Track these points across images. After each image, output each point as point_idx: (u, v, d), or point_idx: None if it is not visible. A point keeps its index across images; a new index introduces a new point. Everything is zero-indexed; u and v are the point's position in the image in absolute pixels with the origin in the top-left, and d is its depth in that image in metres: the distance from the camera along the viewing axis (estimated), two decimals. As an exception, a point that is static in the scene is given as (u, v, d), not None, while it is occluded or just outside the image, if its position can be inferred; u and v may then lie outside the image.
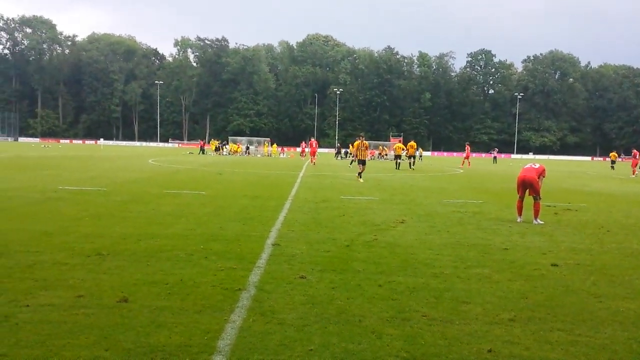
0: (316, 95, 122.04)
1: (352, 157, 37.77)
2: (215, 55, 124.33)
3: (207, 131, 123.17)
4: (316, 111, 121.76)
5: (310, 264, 6.75)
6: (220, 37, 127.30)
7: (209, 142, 79.82)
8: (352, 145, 38.10)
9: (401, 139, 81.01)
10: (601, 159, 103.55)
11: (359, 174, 22.08)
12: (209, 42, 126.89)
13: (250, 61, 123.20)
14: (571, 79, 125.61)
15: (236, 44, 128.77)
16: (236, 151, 59.71)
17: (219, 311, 4.85)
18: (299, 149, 68.45)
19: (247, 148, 61.23)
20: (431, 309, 5.13)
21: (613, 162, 49.03)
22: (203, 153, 57.52)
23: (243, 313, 4.81)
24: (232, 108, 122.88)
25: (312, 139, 43.98)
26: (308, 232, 9.15)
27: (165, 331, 4.33)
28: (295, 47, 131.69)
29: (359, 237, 8.77)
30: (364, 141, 23.13)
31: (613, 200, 16.96)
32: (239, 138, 70.24)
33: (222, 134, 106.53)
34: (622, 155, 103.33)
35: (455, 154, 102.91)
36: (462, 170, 35.68)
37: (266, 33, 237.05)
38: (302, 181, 21.12)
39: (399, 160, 36.96)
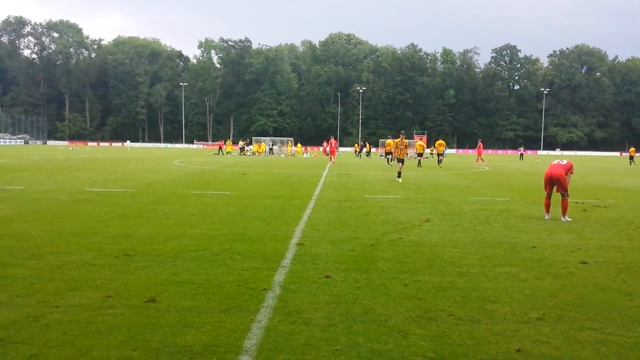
0: (339, 94, 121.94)
1: (390, 156, 38.11)
2: (238, 56, 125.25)
3: (231, 132, 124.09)
4: (339, 110, 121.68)
5: (334, 264, 6.74)
6: (243, 38, 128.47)
7: (233, 143, 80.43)
8: (390, 143, 38.57)
9: (424, 136, 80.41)
10: (627, 153, 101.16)
11: (399, 173, 21.18)
12: (232, 43, 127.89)
13: (273, 61, 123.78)
14: (598, 73, 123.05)
15: (259, 44, 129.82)
16: (259, 151, 60.02)
17: (245, 311, 4.87)
18: (321, 149, 68.58)
19: (271, 148, 61.53)
20: (458, 308, 5.07)
21: (631, 157, 48.60)
22: (222, 153, 58.19)
23: (269, 313, 4.82)
24: (256, 108, 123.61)
25: (332, 138, 44.08)
26: (332, 231, 9.14)
27: (192, 331, 4.36)
28: (317, 46, 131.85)
29: (384, 236, 8.73)
30: (404, 139, 21.94)
31: (644, 196, 16.57)
32: (262, 138, 70.61)
33: (246, 135, 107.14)
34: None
35: (490, 151, 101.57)
36: (487, 168, 35.26)
37: (289, 33, 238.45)
38: (325, 180, 21.12)
39: (419, 159, 37.19)
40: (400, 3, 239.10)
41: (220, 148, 62.19)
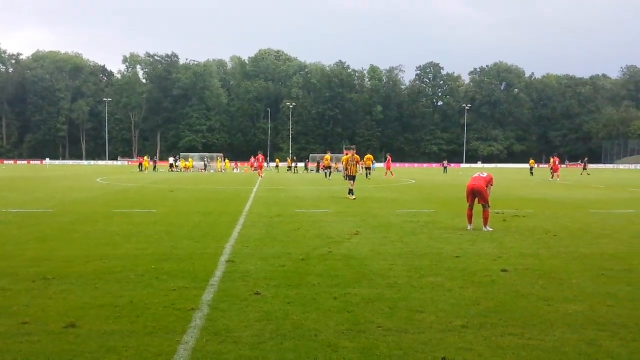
0: (269, 109, 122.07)
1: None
2: (165, 71, 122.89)
3: (158, 148, 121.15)
4: (269, 125, 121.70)
5: (265, 280, 6.68)
6: (170, 53, 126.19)
7: (160, 159, 78.11)
8: (324, 158, 39.93)
9: (354, 151, 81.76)
10: (546, 166, 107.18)
11: (350, 191, 19.78)
12: (158, 58, 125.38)
13: (202, 76, 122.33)
14: (516, 90, 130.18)
15: (186, 59, 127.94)
16: (188, 167, 58.94)
17: (171, 332, 4.73)
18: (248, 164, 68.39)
19: (205, 165, 60.69)
20: (386, 319, 5.15)
21: (531, 168, 52.11)
22: (143, 170, 56.68)
23: (196, 333, 4.70)
24: (184, 124, 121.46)
25: (260, 154, 44.94)
26: (262, 247, 9.08)
27: (114, 356, 4.18)
28: (247, 62, 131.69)
29: (314, 251, 8.76)
30: (355, 155, 20.50)
31: (559, 205, 17.56)
32: (190, 154, 69.37)
33: (174, 150, 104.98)
34: (567, 162, 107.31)
35: (406, 164, 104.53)
36: (414, 181, 36.28)
37: (217, 48, 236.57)
38: (256, 196, 20.99)
39: (368, 172, 39.48)
40: (327, 21, 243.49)
41: (140, 164, 60.27)
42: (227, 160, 64.29)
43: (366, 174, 39.72)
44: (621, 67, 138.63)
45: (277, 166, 66.42)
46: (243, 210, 15.24)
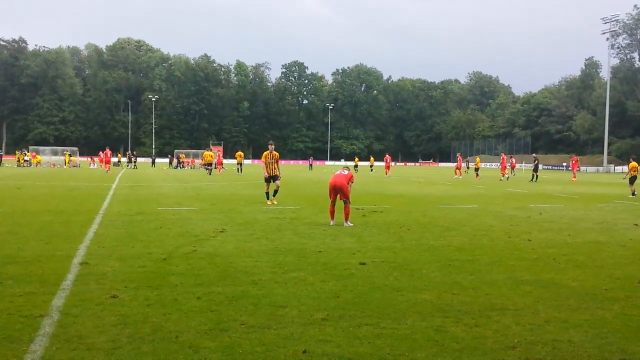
0: (129, 102, 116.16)
1: (210, 166, 38.99)
2: (11, 57, 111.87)
3: (4, 141, 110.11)
4: (130, 118, 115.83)
5: (123, 282, 6.38)
6: (17, 38, 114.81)
7: (6, 153, 70.53)
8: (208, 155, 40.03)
9: (221, 147, 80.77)
10: (402, 164, 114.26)
11: (267, 193, 16.91)
12: (3, 43, 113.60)
13: (54, 64, 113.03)
14: (375, 91, 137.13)
15: (36, 45, 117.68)
16: (39, 162, 54.13)
17: (17, 341, 4.36)
18: (114, 159, 64.35)
19: (72, 161, 56.01)
20: (250, 316, 5.18)
21: (371, 166, 56.99)
22: None
23: (45, 341, 4.38)
24: (33, 115, 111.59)
25: (107, 149, 46.25)
26: (121, 247, 8.66)
27: (-54, 373, 3.76)
28: (104, 50, 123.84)
29: (177, 250, 8.54)
30: (274, 151, 16.98)
31: (412, 201, 18.82)
32: (41, 148, 63.77)
33: (22, 143, 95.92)
34: (420, 161, 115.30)
35: (283, 161, 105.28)
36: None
37: (71, 35, 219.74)
38: (115, 193, 19.91)
39: (209, 168, 40.89)
40: (192, 11, 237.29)
41: None
42: (67, 154, 58.68)
43: (238, 169, 42.56)
44: (468, 73, 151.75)
45: (119, 161, 62.80)
46: (100, 208, 14.40)
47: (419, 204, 17.62)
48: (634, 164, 23.66)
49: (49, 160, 56.97)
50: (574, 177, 38.87)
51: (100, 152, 58.09)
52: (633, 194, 22.65)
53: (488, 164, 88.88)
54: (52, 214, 12.95)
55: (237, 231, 10.73)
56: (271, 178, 16.83)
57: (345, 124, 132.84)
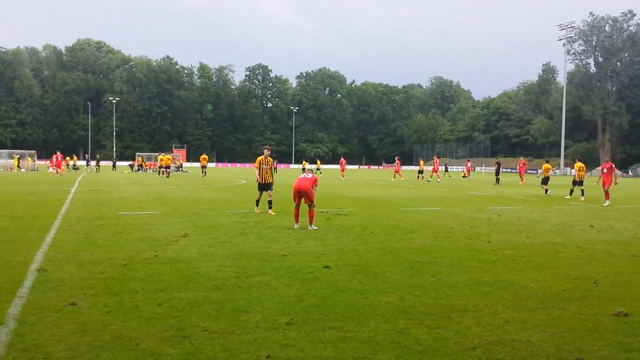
0: (89, 104, 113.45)
1: (168, 169, 38.85)
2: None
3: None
4: (90, 121, 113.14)
5: (81, 289, 6.24)
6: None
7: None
8: (163, 158, 39.94)
9: (184, 150, 79.82)
10: (366, 167, 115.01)
11: (257, 201, 15.65)
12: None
13: (11, 65, 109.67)
14: (339, 95, 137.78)
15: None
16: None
17: (-32, 353, 4.21)
18: (72, 162, 62.68)
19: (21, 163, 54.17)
20: (212, 322, 5.13)
21: (318, 169, 58.38)
22: None
23: (1, 351, 4.25)
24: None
25: (58, 152, 46.34)
26: (80, 253, 8.46)
27: None
28: (63, 51, 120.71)
29: (138, 255, 8.39)
30: (269, 157, 15.55)
31: (376, 204, 18.97)
32: (-2, 151, 61.56)
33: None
34: (384, 164, 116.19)
35: (238, 165, 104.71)
36: (245, 181, 36.51)
37: (30, 35, 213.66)
38: (74, 197, 19.43)
39: (167, 171, 41.25)
40: (155, 13, 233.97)
41: None
42: (15, 157, 56.35)
43: (202, 172, 43.11)
44: (430, 78, 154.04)
45: (75, 165, 61.93)
46: (59, 213, 14.03)
47: (383, 207, 17.78)
48: (579, 164, 24.45)
49: (5, 164, 55.11)
50: (522, 180, 39.00)
51: (53, 155, 56.59)
52: (546, 192, 25.14)
53: (452, 167, 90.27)
54: (8, 219, 12.57)
55: (201, 235, 10.62)
56: (264, 186, 15.36)
57: (309, 127, 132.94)
